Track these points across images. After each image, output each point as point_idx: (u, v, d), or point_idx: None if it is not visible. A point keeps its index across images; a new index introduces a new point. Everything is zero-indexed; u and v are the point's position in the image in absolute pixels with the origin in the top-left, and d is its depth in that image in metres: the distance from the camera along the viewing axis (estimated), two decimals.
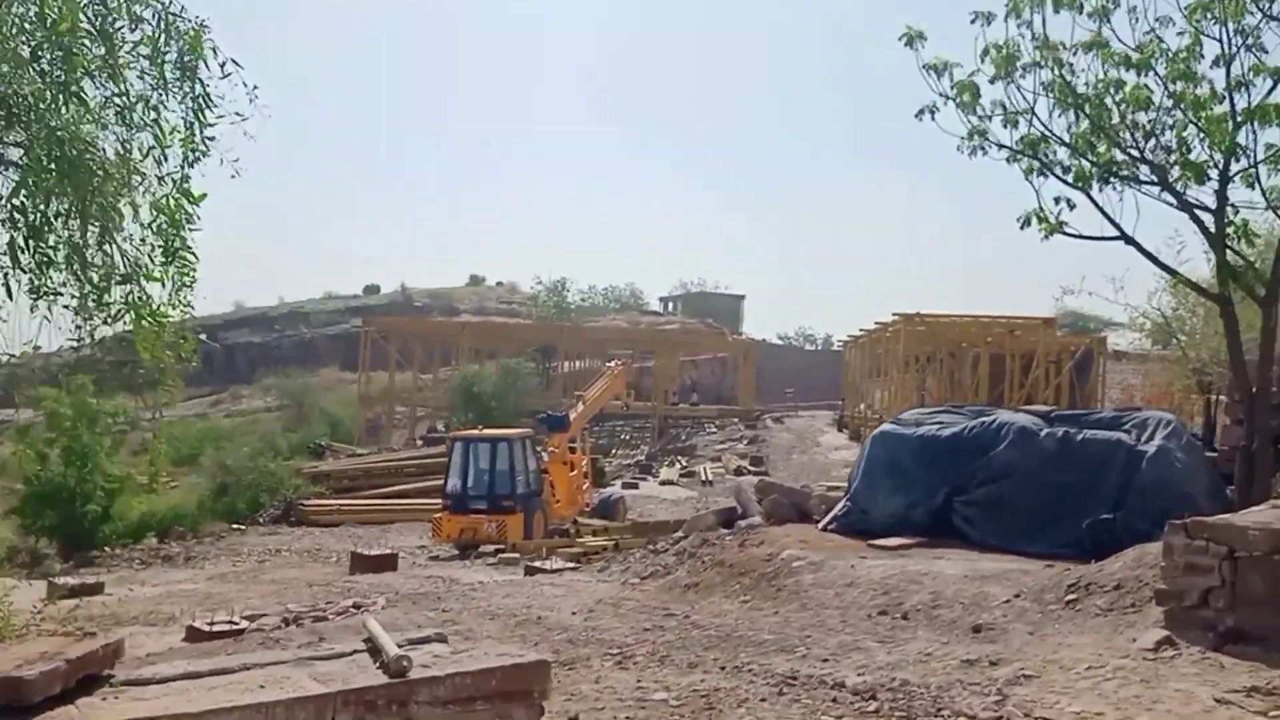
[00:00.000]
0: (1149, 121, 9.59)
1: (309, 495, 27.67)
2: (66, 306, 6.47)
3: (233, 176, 6.57)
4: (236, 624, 10.51)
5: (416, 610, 9.93)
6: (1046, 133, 9.81)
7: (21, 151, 6.03)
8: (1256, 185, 9.35)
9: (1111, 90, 9.56)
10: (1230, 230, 9.49)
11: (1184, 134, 9.54)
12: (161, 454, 9.55)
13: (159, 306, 6.54)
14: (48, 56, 5.91)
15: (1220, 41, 9.15)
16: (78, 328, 6.59)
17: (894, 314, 35.21)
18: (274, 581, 16.00)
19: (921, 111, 9.81)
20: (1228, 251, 9.65)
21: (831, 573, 9.35)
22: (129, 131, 6.32)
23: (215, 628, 10.28)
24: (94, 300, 6.39)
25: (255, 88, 6.39)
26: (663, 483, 32.30)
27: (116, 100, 6.23)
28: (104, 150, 6.30)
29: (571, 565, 14.28)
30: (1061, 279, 52.42)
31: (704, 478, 32.61)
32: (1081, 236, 10.01)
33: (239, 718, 3.00)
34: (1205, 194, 9.55)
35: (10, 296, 6.16)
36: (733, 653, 7.22)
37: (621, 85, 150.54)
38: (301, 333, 61.56)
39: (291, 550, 21.48)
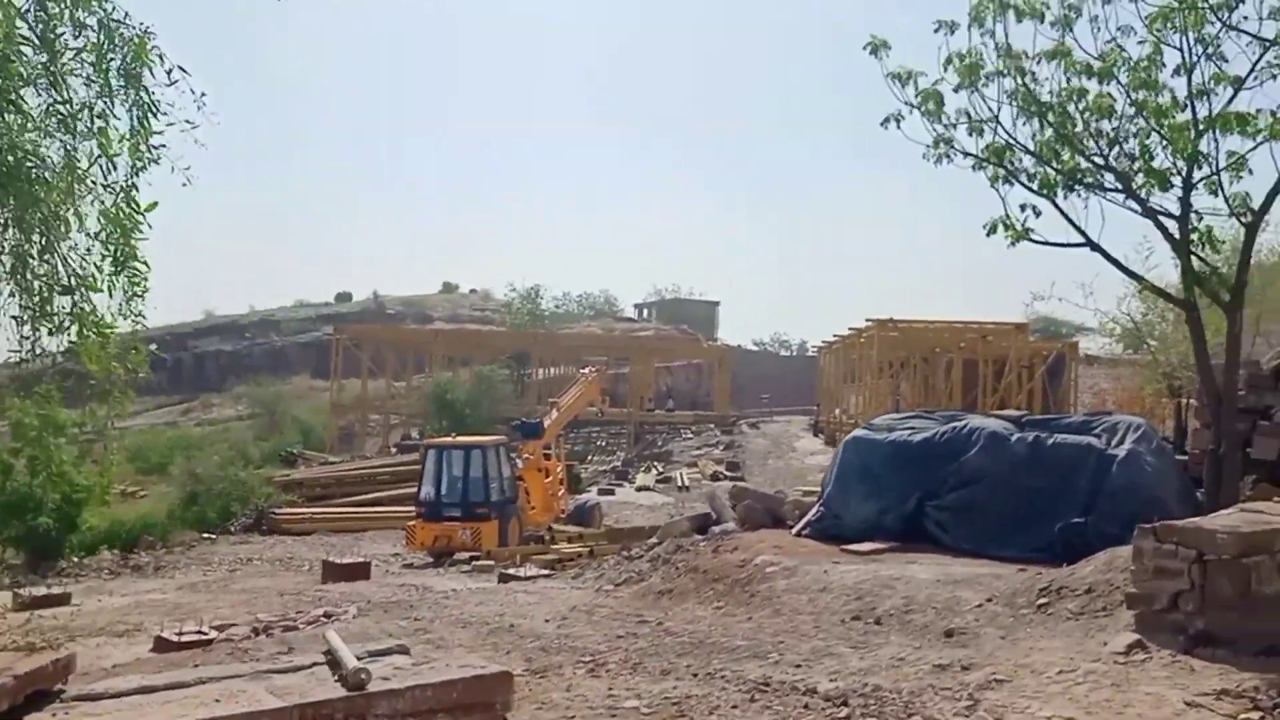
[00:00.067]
0: (1112, 129, 9.64)
1: (281, 503, 27.43)
2: (14, 317, 6.34)
3: (183, 185, 6.45)
4: (205, 634, 10.39)
5: (388, 619, 9.84)
6: (1011, 141, 9.86)
7: None
8: (1219, 192, 9.42)
9: (1074, 99, 9.61)
10: (1195, 237, 9.57)
11: (1147, 142, 9.60)
12: (112, 465, 9.35)
13: (103, 317, 6.41)
14: None
15: (1181, 50, 9.22)
16: (23, 339, 6.45)
17: (868, 319, 35.47)
18: (244, 591, 15.84)
19: (887, 120, 9.84)
20: (1193, 258, 9.74)
21: (805, 578, 9.34)
22: (74, 140, 6.20)
23: (183, 638, 10.16)
24: (35, 311, 6.26)
25: (203, 95, 6.27)
26: (639, 489, 32.31)
27: (60, 108, 6.12)
28: (49, 159, 6.18)
29: (546, 572, 14.21)
30: (1034, 284, 52.87)
31: (680, 483, 32.67)
32: (1048, 243, 10.07)
33: None
34: (1169, 201, 9.62)
35: None
36: (705, 659, 7.18)
37: (621, 85, 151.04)
38: (273, 340, 61.10)
39: (263, 559, 21.28)
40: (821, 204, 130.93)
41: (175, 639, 10.13)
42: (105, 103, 6.16)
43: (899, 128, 9.85)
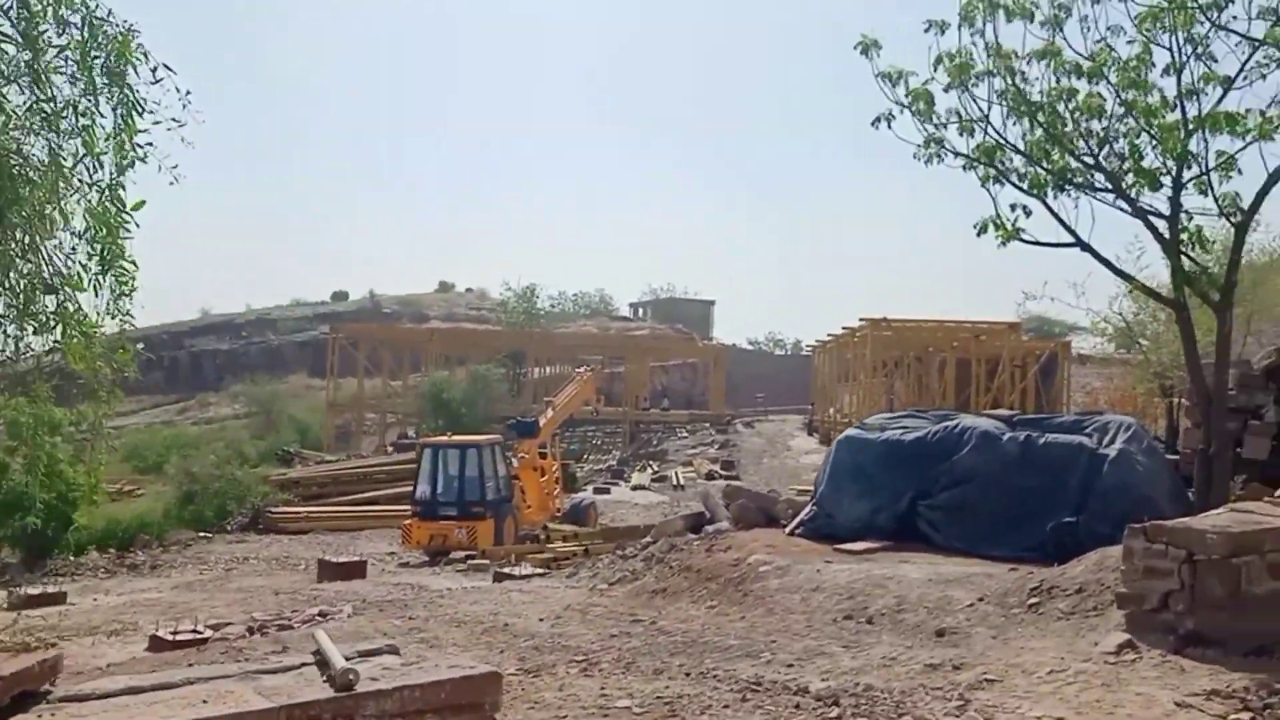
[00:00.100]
0: (1102, 129, 9.67)
1: (277, 502, 27.39)
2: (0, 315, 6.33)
3: (170, 183, 6.42)
4: (200, 633, 10.39)
5: (383, 618, 9.85)
6: (1001, 141, 9.87)
7: None
8: (1209, 192, 9.44)
9: (1064, 98, 9.63)
10: (1185, 237, 9.59)
11: (1136, 142, 9.62)
12: (101, 465, 9.32)
13: (88, 317, 6.39)
14: None
15: (1170, 50, 9.24)
16: (7, 338, 6.44)
17: (861, 319, 35.49)
18: (240, 590, 15.84)
19: (878, 120, 9.86)
20: (1183, 257, 9.76)
21: (797, 577, 9.36)
22: (58, 138, 6.17)
23: (178, 637, 10.16)
24: (19, 310, 6.25)
25: (188, 92, 6.24)
26: (634, 488, 32.31)
27: (44, 106, 6.10)
28: (33, 157, 6.16)
29: (541, 571, 14.23)
30: (1026, 284, 52.99)
31: (676, 482, 32.69)
32: (1038, 243, 10.09)
33: None
34: (1159, 200, 9.64)
35: None
36: (698, 659, 7.20)
37: (621, 85, 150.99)
38: (269, 339, 61.05)
39: (259, 558, 21.26)
40: (819, 204, 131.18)
41: (170, 638, 10.13)
42: (89, 100, 6.13)
43: (889, 128, 9.88)
